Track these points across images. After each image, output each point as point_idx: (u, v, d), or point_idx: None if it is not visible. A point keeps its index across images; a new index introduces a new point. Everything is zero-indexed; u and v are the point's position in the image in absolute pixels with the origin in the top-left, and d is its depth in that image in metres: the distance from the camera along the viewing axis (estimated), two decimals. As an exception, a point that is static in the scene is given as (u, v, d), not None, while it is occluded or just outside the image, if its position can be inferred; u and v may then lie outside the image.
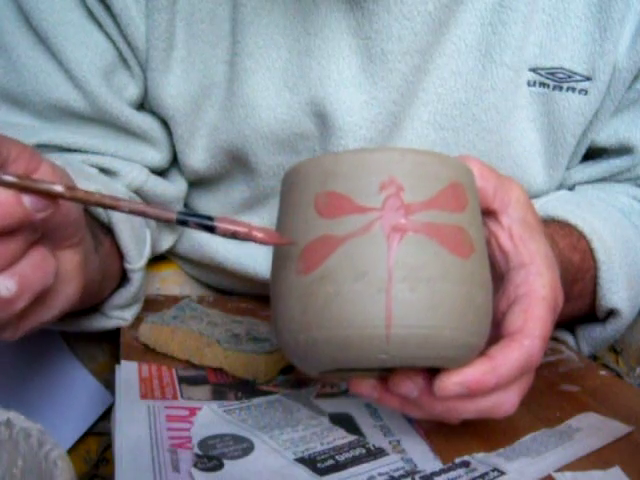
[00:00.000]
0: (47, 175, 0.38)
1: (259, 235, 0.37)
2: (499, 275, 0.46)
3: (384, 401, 0.45)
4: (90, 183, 0.56)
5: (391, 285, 0.37)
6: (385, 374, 0.44)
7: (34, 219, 0.36)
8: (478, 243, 0.40)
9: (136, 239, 0.60)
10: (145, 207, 0.37)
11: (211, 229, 0.37)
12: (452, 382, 0.40)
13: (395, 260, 0.37)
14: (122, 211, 0.37)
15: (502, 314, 0.44)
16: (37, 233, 0.39)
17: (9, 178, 0.35)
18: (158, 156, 0.66)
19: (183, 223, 0.37)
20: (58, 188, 0.36)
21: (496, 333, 0.43)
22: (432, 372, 0.41)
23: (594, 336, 0.66)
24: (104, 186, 0.58)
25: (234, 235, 0.37)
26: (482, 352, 0.42)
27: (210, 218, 0.37)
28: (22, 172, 0.37)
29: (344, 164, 0.39)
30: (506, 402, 0.43)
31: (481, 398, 0.42)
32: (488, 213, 0.46)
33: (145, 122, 0.64)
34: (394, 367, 0.41)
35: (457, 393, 0.41)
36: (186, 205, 0.74)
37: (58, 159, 0.61)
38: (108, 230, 0.58)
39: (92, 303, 0.58)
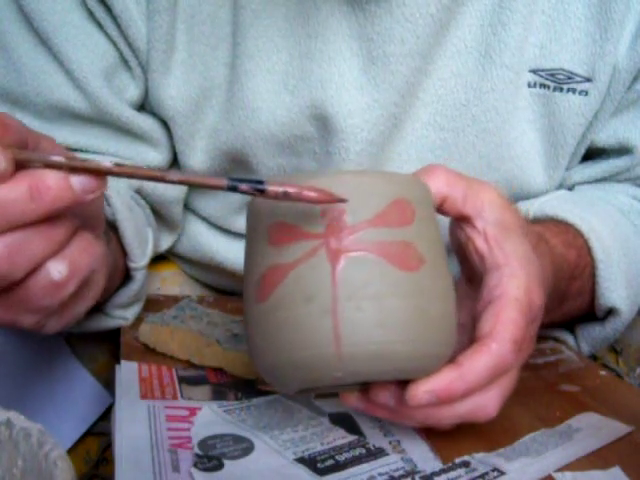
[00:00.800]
0: None
1: (310, 194, 0.37)
2: (479, 279, 0.46)
3: (372, 412, 0.46)
4: None
5: (337, 306, 0.38)
6: (366, 386, 0.45)
7: (84, 201, 0.36)
8: (430, 254, 0.41)
9: (139, 238, 0.60)
10: (195, 177, 0.38)
11: (262, 192, 0.37)
12: (421, 391, 0.41)
13: (339, 281, 0.38)
14: (171, 182, 0.36)
15: (477, 319, 0.44)
16: (80, 219, 0.39)
17: (57, 158, 0.35)
18: (159, 157, 0.66)
19: (233, 189, 0.37)
20: (106, 164, 0.36)
21: (471, 337, 0.44)
22: (407, 381, 0.42)
23: (594, 335, 0.66)
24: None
25: (285, 196, 0.37)
26: (452, 359, 0.42)
27: (260, 182, 0.37)
28: None
29: None
30: (486, 405, 0.43)
31: (457, 404, 0.43)
32: (463, 219, 0.46)
33: (146, 123, 0.64)
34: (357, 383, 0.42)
35: (427, 401, 0.41)
36: (187, 205, 0.74)
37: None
38: (112, 228, 0.58)
39: (100, 300, 0.58)
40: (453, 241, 0.49)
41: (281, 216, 0.40)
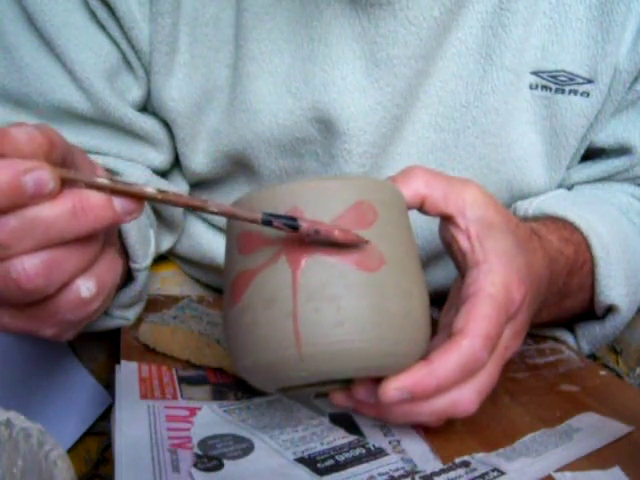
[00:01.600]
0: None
1: (337, 234, 0.39)
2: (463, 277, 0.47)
3: (360, 410, 0.47)
4: None
5: (297, 308, 0.40)
6: (349, 385, 0.46)
7: (123, 222, 0.37)
8: (393, 255, 0.42)
9: (141, 239, 0.60)
10: (233, 209, 0.39)
11: (294, 228, 0.39)
12: (392, 388, 0.42)
13: (299, 284, 0.40)
14: (211, 212, 0.38)
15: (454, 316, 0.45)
16: (105, 235, 0.39)
17: (103, 181, 0.36)
18: (160, 158, 0.66)
19: (268, 223, 0.39)
20: (150, 190, 0.37)
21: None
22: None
23: (594, 333, 0.66)
24: None
25: (316, 233, 0.39)
26: (425, 356, 0.43)
27: (293, 218, 0.39)
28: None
29: (254, 202, 0.42)
30: (462, 401, 0.44)
31: (432, 400, 0.44)
32: (446, 218, 0.47)
33: (148, 124, 0.64)
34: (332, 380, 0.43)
35: (398, 398, 0.42)
36: (187, 207, 0.74)
37: None
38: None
39: None
40: (442, 241, 0.50)
41: (247, 225, 0.41)
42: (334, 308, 0.40)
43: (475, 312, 0.44)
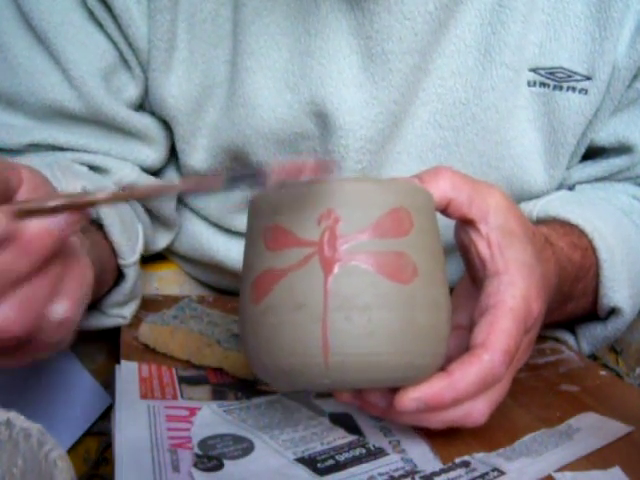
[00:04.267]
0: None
1: (308, 168, 0.36)
2: (480, 282, 0.46)
3: (366, 409, 0.46)
4: (77, 180, 0.56)
5: (327, 315, 0.39)
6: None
7: (67, 236, 0.36)
8: (425, 265, 0.41)
9: (127, 234, 0.60)
10: (192, 180, 0.37)
11: (262, 185, 0.36)
12: (409, 398, 0.42)
13: (330, 291, 0.39)
14: (173, 193, 0.36)
15: (474, 323, 0.45)
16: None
17: (52, 203, 0.35)
18: (153, 155, 0.66)
19: (232, 186, 0.36)
20: (102, 195, 0.35)
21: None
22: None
23: (595, 334, 0.66)
24: (92, 183, 0.58)
25: (284, 184, 0.36)
26: (443, 367, 0.43)
27: (258, 173, 0.35)
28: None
29: (288, 198, 0.40)
30: (474, 413, 0.44)
31: (445, 411, 0.43)
32: (467, 222, 0.46)
33: (141, 122, 0.64)
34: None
35: (414, 408, 0.42)
36: (187, 204, 0.74)
37: (48, 157, 0.61)
38: (99, 226, 0.58)
39: (94, 298, 0.58)
40: (458, 242, 0.49)
41: (278, 220, 0.40)
42: (365, 318, 0.39)
43: (496, 326, 0.43)
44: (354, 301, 0.39)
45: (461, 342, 0.45)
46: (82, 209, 0.36)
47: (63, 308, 0.37)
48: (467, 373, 0.42)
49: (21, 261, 0.34)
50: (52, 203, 0.35)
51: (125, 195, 0.36)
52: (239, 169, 0.35)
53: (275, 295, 0.40)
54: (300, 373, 0.40)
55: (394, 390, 0.43)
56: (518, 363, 0.46)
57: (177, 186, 0.36)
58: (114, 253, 0.59)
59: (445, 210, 0.46)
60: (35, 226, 0.34)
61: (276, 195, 0.41)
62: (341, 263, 0.39)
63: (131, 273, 0.60)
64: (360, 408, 0.47)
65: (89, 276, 0.40)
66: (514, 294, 0.44)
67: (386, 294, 0.39)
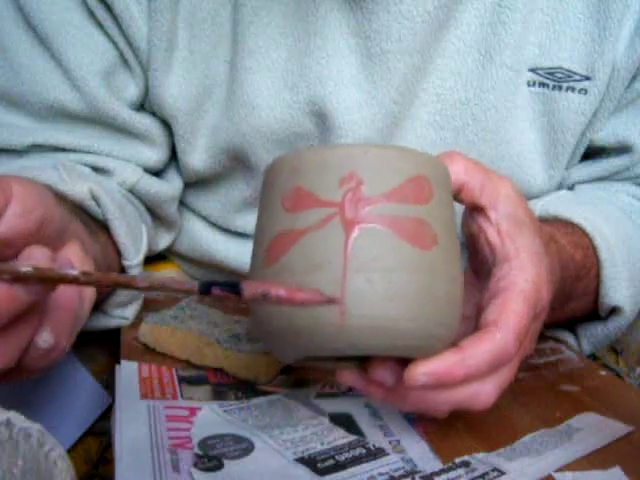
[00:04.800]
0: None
1: (299, 296, 0.36)
2: (487, 271, 0.46)
3: (369, 391, 0.45)
4: (84, 182, 0.56)
5: (345, 276, 0.38)
6: (365, 364, 0.44)
7: (35, 301, 0.35)
8: (444, 236, 0.40)
9: (132, 235, 0.60)
10: (163, 280, 0.35)
11: (237, 294, 0.35)
12: (420, 372, 0.41)
13: (350, 252, 0.38)
14: (138, 288, 0.35)
15: (482, 308, 0.44)
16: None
17: (27, 270, 0.34)
18: (154, 156, 0.66)
19: (206, 292, 0.35)
20: (73, 273, 0.34)
21: (476, 327, 0.43)
22: (407, 361, 0.42)
23: (595, 334, 0.66)
24: (97, 184, 0.58)
25: (265, 299, 0.35)
26: (454, 343, 0.42)
27: (235, 284, 0.35)
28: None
29: (309, 161, 0.40)
30: (482, 394, 0.43)
31: (454, 389, 0.42)
32: (476, 209, 0.46)
33: (142, 123, 0.64)
34: (356, 355, 0.41)
35: (425, 383, 0.41)
36: (187, 205, 0.74)
37: (51, 158, 0.61)
38: (105, 227, 0.58)
39: (99, 299, 0.58)
40: (465, 231, 0.49)
41: (298, 181, 0.40)
42: (386, 281, 0.38)
43: (508, 306, 0.43)
44: (375, 263, 0.38)
45: (466, 331, 0.45)
46: (51, 284, 0.35)
47: (46, 339, 0.37)
48: (480, 350, 0.41)
49: None
50: (24, 270, 0.34)
51: (94, 279, 0.35)
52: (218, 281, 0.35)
53: (292, 255, 0.39)
54: (313, 335, 0.39)
55: (402, 366, 0.42)
56: (524, 351, 0.46)
57: (142, 281, 0.35)
58: (118, 254, 0.59)
59: (458, 194, 0.45)
60: (1, 290, 0.34)
61: (297, 158, 0.41)
62: (363, 225, 0.38)
63: (134, 274, 0.60)
64: (361, 389, 0.46)
65: (74, 306, 0.39)
66: (526, 278, 0.44)
67: (407, 259, 0.39)
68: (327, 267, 0.38)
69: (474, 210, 0.47)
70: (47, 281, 0.35)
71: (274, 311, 0.39)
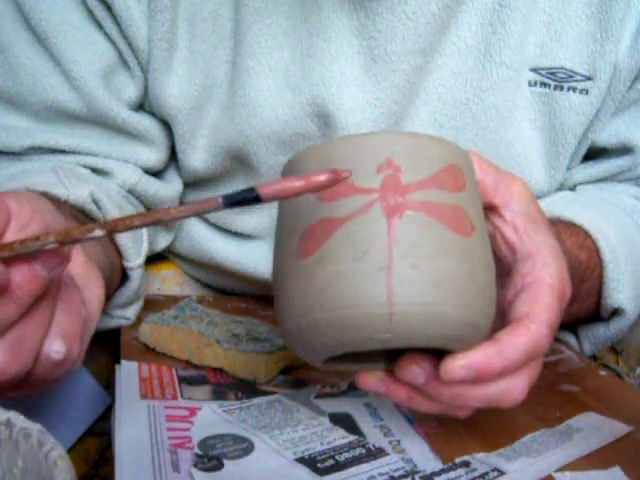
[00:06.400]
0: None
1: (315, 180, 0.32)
2: (506, 269, 0.46)
3: (392, 394, 0.44)
4: (84, 185, 0.56)
5: (392, 263, 0.37)
6: (390, 366, 0.43)
7: (54, 278, 0.35)
8: (478, 223, 0.40)
9: (133, 237, 0.60)
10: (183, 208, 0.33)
11: (258, 199, 0.32)
12: (458, 365, 0.40)
13: (395, 238, 0.37)
14: (164, 220, 0.33)
15: (509, 304, 0.43)
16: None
17: (51, 242, 0.33)
18: (154, 157, 0.66)
19: (230, 205, 0.32)
20: (98, 232, 0.33)
21: (503, 322, 0.43)
22: (438, 358, 0.41)
23: (597, 335, 0.66)
24: (97, 186, 0.58)
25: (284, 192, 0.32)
26: (488, 337, 0.41)
27: (251, 189, 0.32)
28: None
29: (342, 149, 0.39)
30: (515, 389, 0.42)
31: (489, 384, 0.41)
32: (490, 208, 0.46)
33: (142, 123, 0.64)
34: (398, 349, 0.41)
35: (463, 376, 0.40)
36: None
37: (50, 160, 0.61)
38: None
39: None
40: None
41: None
42: (433, 267, 0.37)
43: (538, 299, 0.42)
44: (420, 249, 0.37)
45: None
46: (71, 243, 0.34)
47: (58, 349, 0.37)
48: (516, 342, 0.41)
49: (11, 307, 0.34)
50: (38, 244, 0.33)
51: (121, 228, 0.34)
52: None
53: (332, 245, 0.38)
54: (360, 326, 0.37)
55: (432, 365, 0.41)
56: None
57: (172, 212, 0.33)
58: (119, 255, 0.59)
59: None
60: (23, 271, 0.34)
61: (329, 146, 0.40)
62: (405, 211, 0.38)
63: (136, 275, 0.61)
64: (386, 393, 0.44)
65: (82, 314, 0.39)
66: (551, 273, 0.43)
67: (450, 245, 0.38)
68: (372, 254, 0.37)
69: (487, 209, 0.46)
70: (71, 240, 0.33)
71: (308, 306, 0.38)
